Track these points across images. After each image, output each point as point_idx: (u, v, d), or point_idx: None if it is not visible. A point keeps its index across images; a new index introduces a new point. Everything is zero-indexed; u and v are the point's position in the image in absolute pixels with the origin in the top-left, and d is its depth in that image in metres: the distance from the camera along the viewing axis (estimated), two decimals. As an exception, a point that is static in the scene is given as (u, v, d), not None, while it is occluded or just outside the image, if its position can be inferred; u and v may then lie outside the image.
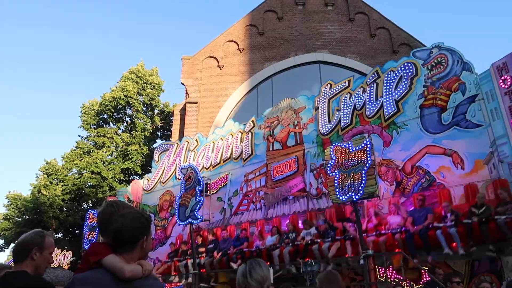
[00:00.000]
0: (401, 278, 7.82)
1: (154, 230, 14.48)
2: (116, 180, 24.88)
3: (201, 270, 10.76)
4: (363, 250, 7.93)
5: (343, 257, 8.88)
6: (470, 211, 8.04)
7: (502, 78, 9.18)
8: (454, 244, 7.86)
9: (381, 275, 8.53)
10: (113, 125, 27.31)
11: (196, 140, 15.19)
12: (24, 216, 24.12)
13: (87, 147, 25.62)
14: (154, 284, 1.95)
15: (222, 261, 10.53)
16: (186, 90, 19.98)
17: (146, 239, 1.99)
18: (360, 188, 7.87)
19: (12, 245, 21.03)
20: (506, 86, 9.05)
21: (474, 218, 7.75)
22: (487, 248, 7.63)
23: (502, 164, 8.75)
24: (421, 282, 7.96)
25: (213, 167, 14.03)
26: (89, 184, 24.41)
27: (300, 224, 10.57)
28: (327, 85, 12.57)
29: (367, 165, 8.00)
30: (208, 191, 12.24)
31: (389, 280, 7.87)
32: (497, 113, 9.24)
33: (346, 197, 8.05)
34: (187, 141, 15.54)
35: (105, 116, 26.98)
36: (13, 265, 2.48)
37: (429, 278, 7.65)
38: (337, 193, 8.21)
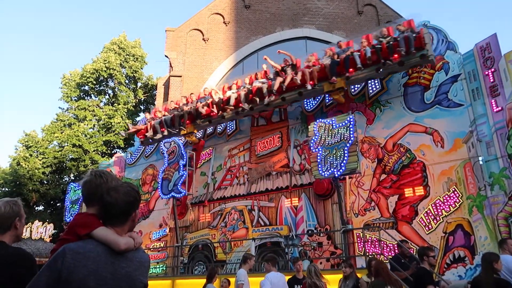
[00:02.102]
0: (378, 252, 8.07)
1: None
2: (99, 153, 24.61)
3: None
4: (343, 225, 8.12)
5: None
6: (378, 40, 9.72)
7: (485, 58, 9.29)
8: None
9: (360, 249, 8.80)
10: (95, 97, 26.79)
11: (180, 114, 15.02)
12: (3, 189, 23.78)
13: (68, 120, 25.14)
14: (143, 256, 1.99)
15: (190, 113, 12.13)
16: (170, 63, 19.62)
17: (136, 212, 2.00)
18: (342, 164, 7.98)
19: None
20: (488, 67, 9.17)
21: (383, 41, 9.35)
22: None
23: (480, 143, 8.97)
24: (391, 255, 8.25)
25: (197, 141, 13.96)
26: (70, 157, 24.09)
27: None
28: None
29: (350, 141, 8.10)
30: (192, 165, 12.20)
31: (367, 253, 8.11)
32: (478, 93, 9.40)
33: (328, 173, 8.16)
34: (170, 115, 15.36)
35: (86, 88, 26.41)
36: None
37: (398, 251, 7.93)
38: (320, 169, 8.32)
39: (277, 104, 11.13)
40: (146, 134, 12.67)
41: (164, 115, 12.92)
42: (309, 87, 9.93)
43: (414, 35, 8.96)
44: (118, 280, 1.80)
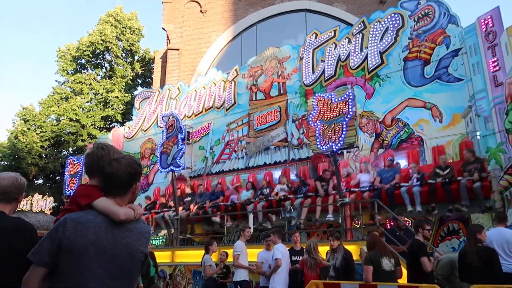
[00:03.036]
0: (373, 222, 8.22)
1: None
2: (96, 127, 24.55)
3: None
4: (340, 198, 8.22)
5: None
6: (434, 172, 8.38)
7: (487, 32, 9.18)
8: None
9: (356, 222, 8.94)
10: (92, 70, 26.48)
11: (178, 88, 14.94)
12: (2, 163, 23.83)
13: (64, 93, 24.93)
14: (144, 227, 2.02)
15: (198, 214, 10.80)
16: (167, 36, 19.33)
17: (137, 184, 2.02)
18: (340, 138, 8.00)
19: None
20: (490, 40, 9.07)
21: (438, 178, 8.10)
22: (447, 207, 8.07)
23: (478, 118, 8.98)
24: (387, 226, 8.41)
25: (195, 115, 13.93)
26: (67, 131, 24.04)
27: (274, 180, 10.85)
28: (312, 34, 12.33)
29: (349, 116, 8.09)
30: (190, 140, 12.25)
31: (363, 226, 8.25)
32: (478, 67, 9.34)
33: (326, 147, 8.19)
34: (169, 89, 15.28)
35: (83, 61, 26.06)
36: None
37: (393, 224, 8.08)
38: (318, 143, 8.34)
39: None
40: None
41: None
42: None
43: (480, 182, 7.90)
44: (118, 250, 1.83)
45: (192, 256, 8.93)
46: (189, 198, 11.51)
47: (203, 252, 7.71)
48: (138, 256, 1.91)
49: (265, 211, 9.68)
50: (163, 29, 19.38)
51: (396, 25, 10.70)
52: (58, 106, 23.92)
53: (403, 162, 9.62)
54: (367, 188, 8.81)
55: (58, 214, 2.04)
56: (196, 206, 10.93)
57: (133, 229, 1.92)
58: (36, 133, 23.36)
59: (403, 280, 5.25)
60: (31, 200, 18.37)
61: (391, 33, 10.72)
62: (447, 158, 8.73)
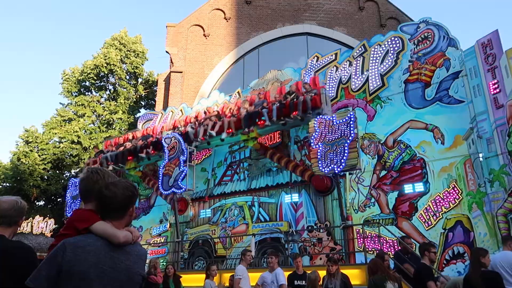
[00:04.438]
0: (378, 247, 8.09)
1: (138, 199, 14.47)
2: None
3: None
4: (343, 221, 8.14)
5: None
6: (284, 96, 10.59)
7: (486, 54, 9.27)
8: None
9: (360, 244, 8.82)
10: (96, 92, 26.76)
11: (181, 110, 15.04)
12: (4, 184, 23.81)
13: (67, 115, 25.12)
14: (141, 250, 2.04)
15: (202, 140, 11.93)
16: (171, 59, 19.60)
17: (133, 207, 2.05)
18: (342, 160, 7.98)
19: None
20: (489, 63, 9.15)
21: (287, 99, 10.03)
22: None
23: (481, 140, 8.97)
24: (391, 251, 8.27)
25: (197, 137, 13.95)
26: (69, 154, 24.10)
27: None
28: (314, 57, 12.49)
29: (350, 138, 8.10)
30: (192, 161, 12.22)
31: (367, 249, 8.13)
32: (479, 89, 9.39)
33: (328, 169, 8.17)
34: (171, 110, 15.38)
35: (87, 83, 26.38)
36: None
37: (399, 248, 7.94)
38: (320, 165, 8.33)
39: (205, 147, 12.53)
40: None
41: (112, 150, 14.05)
42: (224, 135, 11.06)
43: (311, 95, 9.86)
44: (118, 272, 1.84)
45: (193, 280, 8.78)
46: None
47: (203, 276, 7.60)
48: (137, 278, 1.93)
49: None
50: (167, 52, 19.68)
51: (396, 48, 10.84)
52: (61, 128, 24.07)
53: (407, 184, 9.57)
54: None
55: (56, 236, 2.03)
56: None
57: (131, 252, 1.93)
58: (39, 155, 23.42)
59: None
60: (32, 222, 18.26)
61: (392, 56, 10.84)
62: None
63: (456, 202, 8.95)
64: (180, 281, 8.09)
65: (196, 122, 12.24)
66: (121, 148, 13.64)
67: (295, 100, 10.05)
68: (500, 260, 5.49)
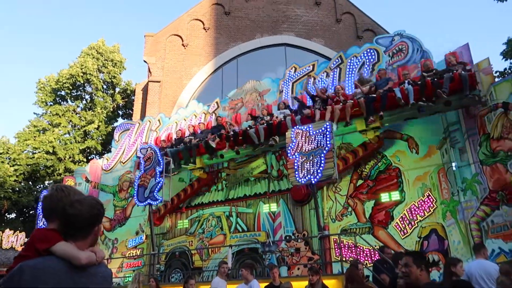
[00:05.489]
0: (355, 257, 8.11)
1: (113, 210, 14.21)
2: (75, 161, 24.04)
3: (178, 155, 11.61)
4: (320, 231, 8.14)
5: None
6: (422, 75, 8.85)
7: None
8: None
9: (337, 254, 8.83)
10: (72, 102, 26.26)
11: (159, 120, 14.88)
12: (-27, 196, 22.95)
13: (41, 126, 24.51)
14: (106, 271, 1.94)
15: (200, 146, 11.12)
16: (149, 68, 19.45)
17: (99, 226, 1.96)
18: (319, 171, 8.01)
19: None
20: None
21: (426, 76, 8.53)
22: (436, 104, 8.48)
23: (453, 150, 9.17)
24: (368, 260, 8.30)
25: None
26: (44, 165, 23.46)
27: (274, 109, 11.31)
28: (291, 68, 12.59)
29: (327, 148, 8.15)
30: (169, 172, 12.06)
31: (344, 259, 8.14)
32: (451, 101, 9.60)
33: (305, 179, 8.18)
34: (149, 120, 15.19)
35: (62, 93, 25.86)
36: None
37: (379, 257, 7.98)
38: (296, 175, 8.34)
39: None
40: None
41: (165, 146, 12.14)
42: (335, 126, 9.08)
43: (465, 72, 8.27)
44: None
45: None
46: (192, 137, 11.69)
47: (180, 288, 7.45)
48: None
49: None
50: (145, 61, 19.52)
51: (372, 60, 11.04)
52: (34, 139, 23.44)
53: (383, 193, 9.68)
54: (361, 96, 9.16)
55: (14, 259, 1.90)
56: (197, 140, 11.24)
57: (96, 273, 1.83)
58: (10, 166, 22.70)
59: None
60: (1, 236, 17.59)
61: (367, 68, 11.03)
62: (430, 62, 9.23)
63: (430, 211, 9.09)
64: None
65: (291, 105, 11.02)
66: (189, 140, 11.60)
67: (437, 79, 8.35)
68: (477, 269, 5.60)
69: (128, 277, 12.05)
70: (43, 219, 12.82)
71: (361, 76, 10.43)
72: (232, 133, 10.71)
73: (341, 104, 9.25)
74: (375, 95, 8.91)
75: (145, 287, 7.95)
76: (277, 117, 10.28)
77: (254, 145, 10.38)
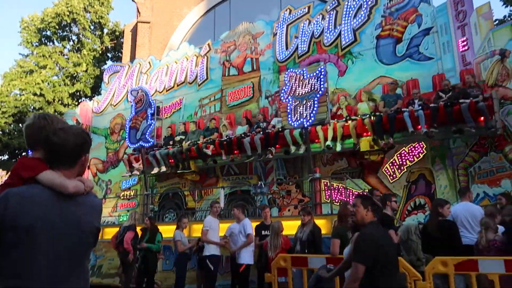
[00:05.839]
0: (344, 199, 8.35)
1: (105, 153, 14.26)
2: (64, 104, 23.63)
3: (170, 161, 11.03)
4: (310, 174, 8.30)
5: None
6: (437, 95, 8.43)
7: (457, 11, 9.29)
8: (419, 126, 8.21)
9: (327, 197, 9.07)
10: (58, 43, 25.31)
11: (149, 62, 14.52)
12: (-37, 138, 22.72)
13: (28, 67, 23.78)
14: (96, 200, 1.91)
15: (191, 150, 10.60)
16: (138, 8, 18.65)
17: (86, 156, 1.90)
18: (311, 114, 8.01)
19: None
20: (460, 20, 9.19)
21: (440, 101, 8.08)
22: (450, 130, 8.03)
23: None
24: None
25: (166, 90, 13.61)
26: (32, 107, 23.05)
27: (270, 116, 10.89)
28: (286, 10, 12.16)
29: (320, 92, 8.09)
30: (161, 115, 11.99)
31: (334, 201, 8.37)
32: (448, 46, 9.48)
33: (297, 123, 8.20)
34: (139, 63, 14.83)
35: (48, 33, 24.83)
36: None
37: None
38: (289, 119, 8.33)
39: (303, 155, 9.49)
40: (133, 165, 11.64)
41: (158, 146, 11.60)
42: (338, 147, 8.86)
43: (483, 103, 7.59)
44: (69, 225, 1.71)
45: (164, 231, 8.83)
46: (183, 136, 11.31)
47: (174, 227, 7.67)
48: (91, 230, 1.81)
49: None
50: (133, 1, 18.67)
51: (369, 2, 10.68)
52: (21, 80, 22.82)
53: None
54: (367, 115, 8.78)
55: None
56: (189, 142, 10.68)
57: (84, 202, 1.80)
58: (-3, 108, 22.27)
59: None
60: (-5, 176, 17.70)
61: (365, 11, 10.69)
62: (449, 82, 8.67)
63: (420, 156, 9.24)
64: (156, 234, 8.00)
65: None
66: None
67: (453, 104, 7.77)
68: (462, 211, 5.83)
69: (122, 216, 12.35)
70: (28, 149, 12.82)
71: None
72: (226, 139, 10.17)
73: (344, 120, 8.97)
74: (381, 114, 8.55)
75: (140, 225, 8.19)
76: (274, 126, 9.73)
77: (249, 155, 9.91)
